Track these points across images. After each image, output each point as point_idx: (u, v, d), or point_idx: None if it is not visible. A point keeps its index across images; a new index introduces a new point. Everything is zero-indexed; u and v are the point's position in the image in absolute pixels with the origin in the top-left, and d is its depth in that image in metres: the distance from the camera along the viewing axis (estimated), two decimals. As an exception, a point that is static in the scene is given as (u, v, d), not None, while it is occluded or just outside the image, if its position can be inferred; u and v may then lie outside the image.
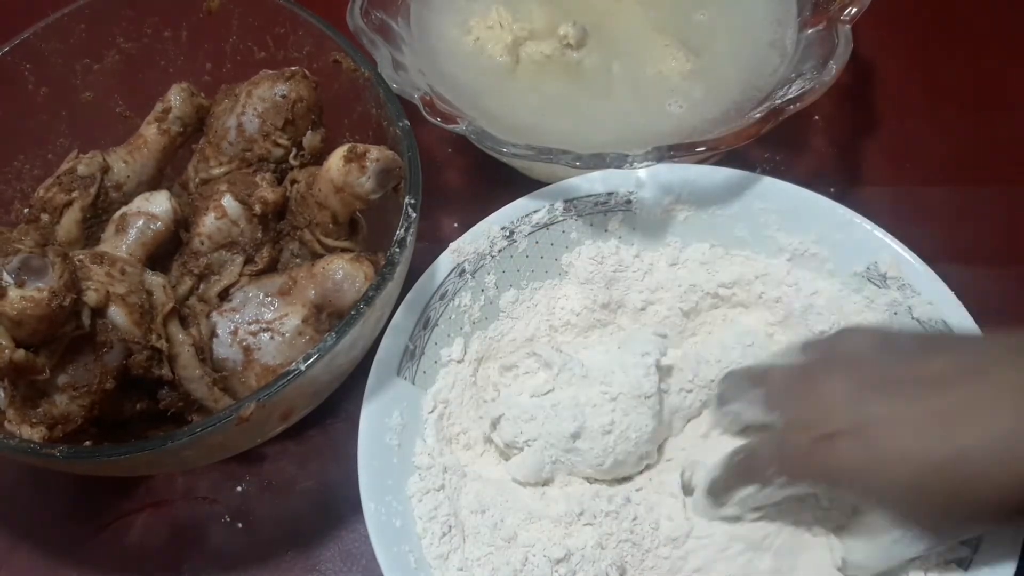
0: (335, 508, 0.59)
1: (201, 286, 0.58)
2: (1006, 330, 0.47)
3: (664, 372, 0.55)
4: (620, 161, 0.58)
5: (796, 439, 0.47)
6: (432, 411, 0.56)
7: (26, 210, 0.61)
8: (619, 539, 0.51)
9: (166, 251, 0.58)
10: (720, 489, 0.51)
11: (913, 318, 0.56)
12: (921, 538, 0.46)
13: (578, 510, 0.52)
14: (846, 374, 0.47)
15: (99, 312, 0.50)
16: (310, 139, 0.61)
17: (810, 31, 0.64)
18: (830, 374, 0.48)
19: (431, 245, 0.59)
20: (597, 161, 0.58)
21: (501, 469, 0.56)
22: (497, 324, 0.59)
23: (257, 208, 0.57)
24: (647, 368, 0.53)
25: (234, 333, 0.55)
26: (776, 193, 0.60)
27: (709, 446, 0.54)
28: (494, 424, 0.55)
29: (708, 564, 0.51)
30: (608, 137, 0.64)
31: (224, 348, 0.55)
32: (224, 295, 0.57)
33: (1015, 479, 0.42)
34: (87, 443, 0.52)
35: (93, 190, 0.58)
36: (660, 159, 0.57)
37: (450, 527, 0.52)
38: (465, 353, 0.58)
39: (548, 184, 0.61)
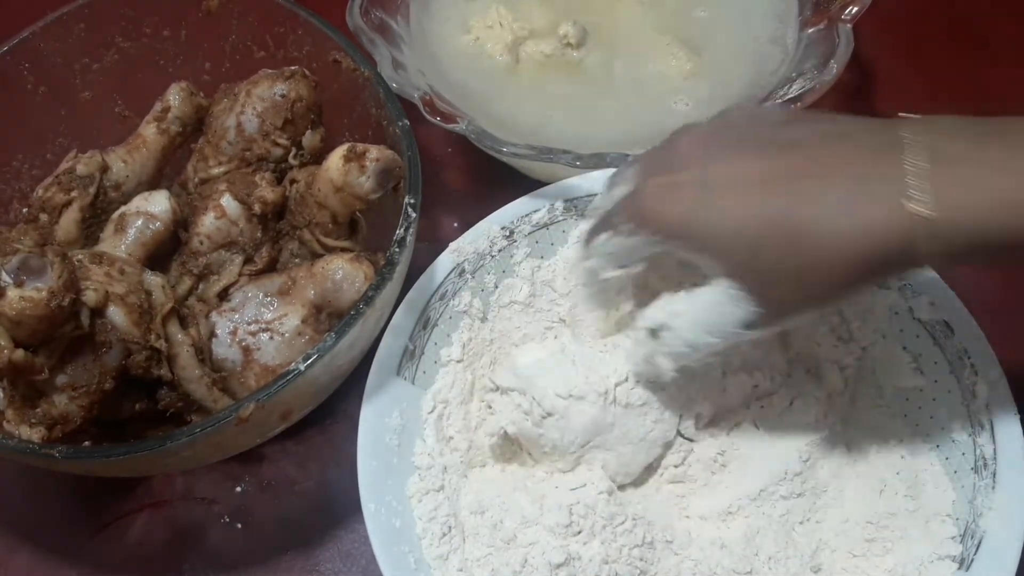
0: (335, 508, 0.59)
1: (200, 286, 0.58)
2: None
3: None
4: (620, 161, 0.58)
5: (644, 186, 0.47)
6: (432, 411, 0.56)
7: (25, 210, 0.61)
8: (621, 553, 0.51)
9: (165, 251, 0.58)
10: (586, 240, 0.51)
11: (914, 319, 0.56)
12: (746, 300, 0.44)
13: (575, 526, 0.51)
14: (706, 132, 0.47)
15: (98, 312, 0.50)
16: (310, 139, 0.61)
17: (811, 30, 0.64)
18: (692, 132, 0.48)
19: (431, 245, 0.59)
20: (597, 161, 0.58)
21: (499, 471, 0.55)
22: (497, 324, 0.59)
23: (256, 208, 0.57)
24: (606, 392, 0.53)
25: (233, 333, 0.55)
26: (776, 193, 0.59)
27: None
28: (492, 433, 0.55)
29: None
30: (615, 136, 0.64)
31: (223, 348, 0.55)
32: (223, 295, 0.57)
33: (852, 243, 0.40)
34: (86, 443, 0.52)
35: (92, 190, 0.58)
36: (660, 159, 0.57)
37: (450, 527, 0.52)
38: (465, 353, 0.58)
39: (548, 184, 0.61)
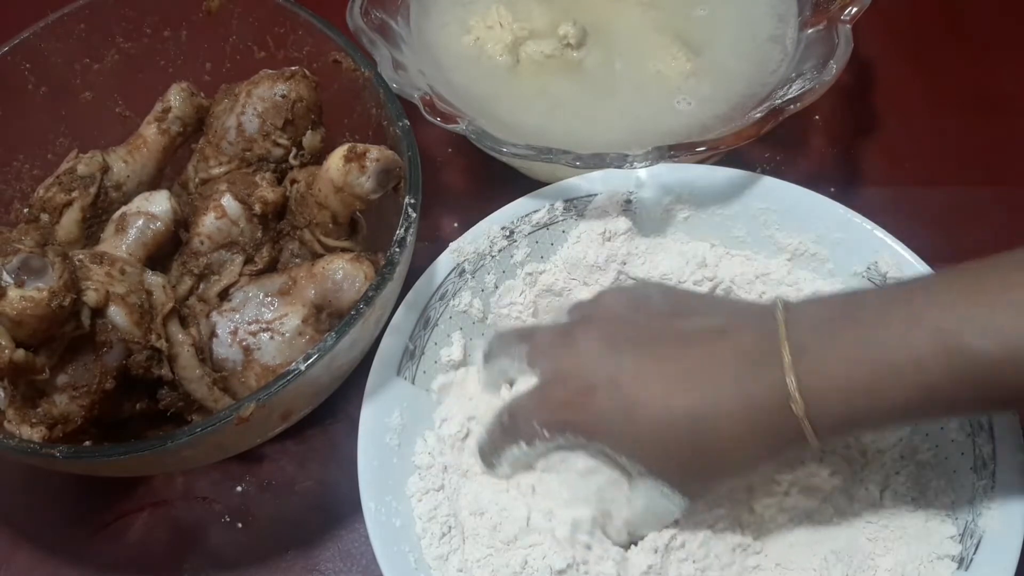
0: (335, 508, 0.59)
1: (201, 286, 0.58)
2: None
3: None
4: (620, 161, 0.58)
5: (556, 392, 0.49)
6: (433, 411, 0.56)
7: (26, 210, 0.61)
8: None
9: (166, 251, 0.58)
10: (489, 451, 0.52)
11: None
12: (673, 493, 0.48)
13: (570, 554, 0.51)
14: (603, 331, 0.49)
15: (99, 312, 0.50)
16: (310, 139, 0.61)
17: (810, 31, 0.64)
18: (587, 331, 0.50)
19: (431, 245, 0.59)
20: (597, 161, 0.58)
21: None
22: (497, 324, 0.59)
23: (257, 208, 0.57)
24: None
25: (234, 333, 0.55)
26: (776, 193, 0.59)
27: (477, 405, 0.55)
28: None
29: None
30: (618, 136, 0.64)
31: (224, 348, 0.55)
32: (224, 295, 0.57)
33: (743, 430, 0.45)
34: (87, 443, 0.52)
35: (93, 190, 0.58)
36: (660, 159, 0.57)
37: (450, 528, 0.52)
38: (465, 353, 0.58)
39: (548, 184, 0.61)
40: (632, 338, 0.49)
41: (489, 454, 0.52)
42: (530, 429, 0.49)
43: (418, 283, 0.57)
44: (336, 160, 0.54)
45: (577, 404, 0.48)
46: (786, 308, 0.46)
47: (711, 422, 0.45)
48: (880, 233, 0.57)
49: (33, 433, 0.50)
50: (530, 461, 0.51)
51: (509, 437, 0.51)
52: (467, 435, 0.55)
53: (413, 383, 0.56)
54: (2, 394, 0.51)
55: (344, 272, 0.54)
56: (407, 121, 0.57)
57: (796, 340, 0.44)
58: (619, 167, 0.58)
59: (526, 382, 0.52)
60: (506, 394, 0.54)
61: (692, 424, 0.45)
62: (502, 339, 0.55)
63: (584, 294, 0.59)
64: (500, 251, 0.59)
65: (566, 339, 0.51)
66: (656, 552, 0.50)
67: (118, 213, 0.58)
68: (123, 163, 0.61)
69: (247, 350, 0.54)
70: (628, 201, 0.60)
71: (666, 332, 0.48)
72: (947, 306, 0.42)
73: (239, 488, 0.60)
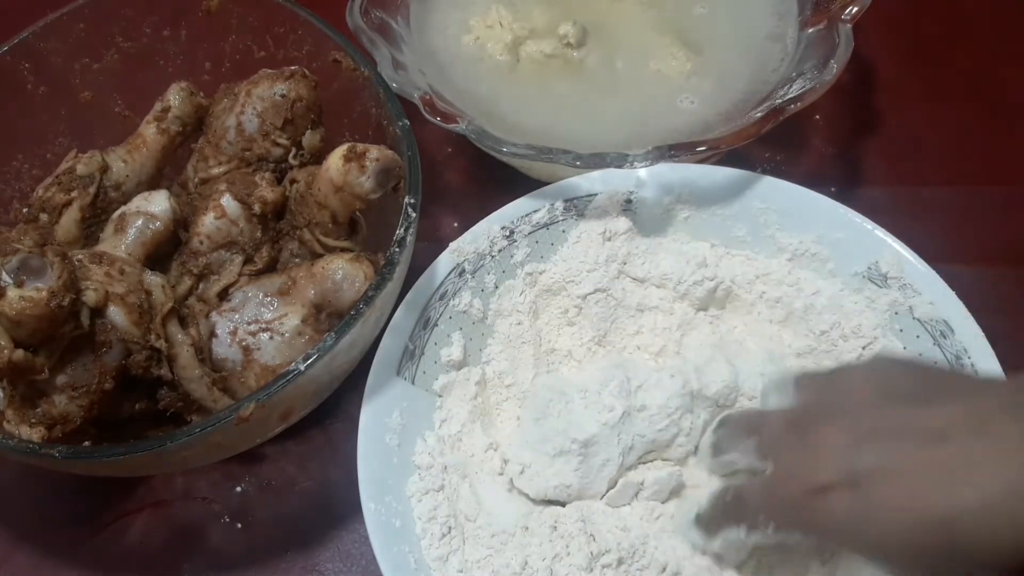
0: (335, 508, 0.59)
1: (200, 286, 0.57)
2: (1016, 374, 0.46)
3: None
4: (620, 161, 0.58)
5: (788, 489, 0.45)
6: (432, 411, 0.56)
7: (25, 210, 0.61)
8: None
9: (165, 251, 0.58)
10: (707, 523, 0.50)
11: (914, 318, 0.56)
12: None
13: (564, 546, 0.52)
14: (841, 422, 0.45)
15: (98, 312, 0.50)
16: (309, 138, 0.61)
17: (811, 30, 0.64)
18: (825, 422, 0.46)
19: (431, 245, 0.59)
20: (597, 161, 0.58)
21: (499, 478, 0.55)
22: (497, 324, 0.59)
23: (256, 208, 0.57)
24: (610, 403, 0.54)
25: (233, 333, 0.55)
26: (777, 193, 0.59)
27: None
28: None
29: None
30: (621, 136, 0.64)
31: (223, 348, 0.55)
32: (223, 295, 0.57)
33: (1012, 539, 0.40)
34: (86, 443, 0.52)
35: (92, 190, 0.58)
36: (660, 159, 0.57)
37: (449, 528, 0.52)
38: (465, 353, 0.58)
39: (548, 184, 0.60)
40: (875, 430, 0.44)
41: (708, 526, 0.50)
42: (754, 521, 0.47)
43: (418, 283, 0.57)
44: (336, 160, 0.54)
45: (808, 506, 0.44)
46: None
47: (973, 527, 0.40)
48: (881, 233, 0.57)
49: (32, 433, 0.50)
50: (744, 547, 0.50)
51: (731, 519, 0.49)
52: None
53: (413, 383, 0.56)
54: (1, 394, 0.51)
55: (344, 272, 0.54)
56: (407, 121, 0.57)
57: None
58: (619, 167, 0.58)
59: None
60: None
61: (948, 533, 0.41)
62: (729, 428, 0.52)
63: (585, 288, 0.58)
64: (500, 251, 0.59)
65: (801, 429, 0.46)
66: None
67: (117, 213, 0.58)
68: (122, 163, 0.61)
69: (247, 350, 0.54)
70: (628, 201, 0.60)
71: (915, 424, 0.43)
72: None
73: (239, 488, 0.60)
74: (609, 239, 0.60)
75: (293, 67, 0.61)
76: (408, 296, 0.57)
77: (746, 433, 0.50)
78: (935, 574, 0.44)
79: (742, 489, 0.49)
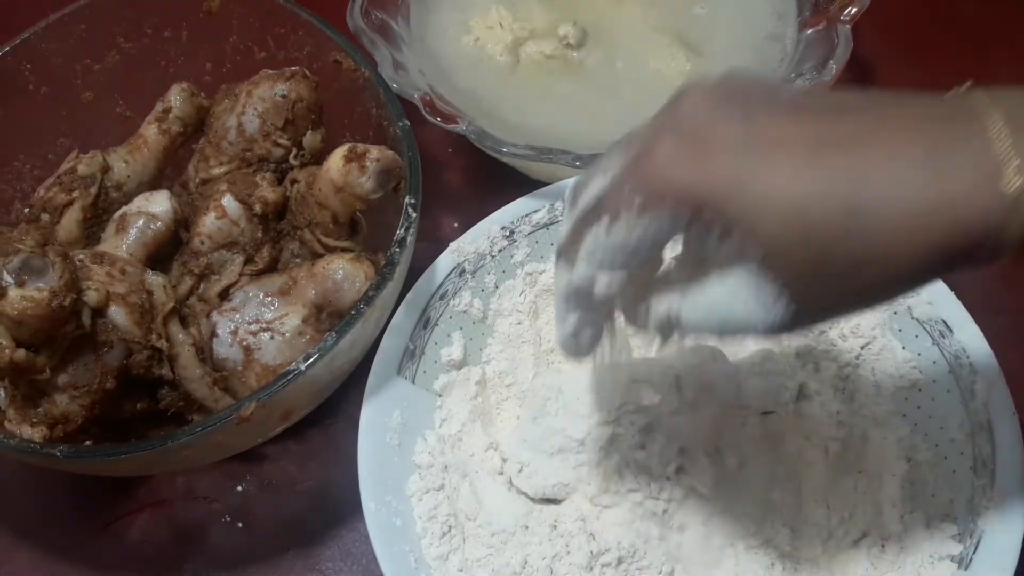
0: (335, 508, 0.59)
1: (201, 286, 0.58)
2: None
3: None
4: (620, 161, 0.58)
5: (659, 148, 0.36)
6: (433, 410, 0.56)
7: (27, 210, 0.61)
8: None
9: (166, 251, 0.59)
10: (568, 246, 0.40)
11: (913, 318, 0.56)
12: (777, 301, 0.36)
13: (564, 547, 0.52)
14: (726, 91, 0.37)
15: (99, 312, 0.50)
16: (310, 139, 0.61)
17: (810, 31, 0.64)
18: (701, 91, 0.37)
19: (431, 245, 0.59)
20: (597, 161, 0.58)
21: (499, 478, 0.55)
22: (497, 324, 0.59)
23: (257, 208, 0.57)
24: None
25: (234, 333, 0.55)
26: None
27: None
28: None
29: None
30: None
31: (224, 348, 0.55)
32: (224, 295, 0.57)
33: (928, 228, 0.33)
34: (87, 443, 0.52)
35: (93, 190, 0.59)
36: (660, 159, 0.57)
37: (450, 527, 0.52)
38: (465, 353, 0.58)
39: (548, 184, 0.61)
40: (764, 101, 0.36)
41: (569, 249, 0.40)
42: (617, 198, 0.37)
43: (418, 283, 0.57)
44: (336, 160, 0.54)
45: (688, 160, 0.35)
46: (979, 92, 0.35)
47: (880, 205, 0.33)
48: (880, 233, 0.57)
49: (34, 433, 0.50)
50: (608, 254, 0.38)
51: (592, 216, 0.38)
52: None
53: (413, 383, 0.56)
54: (3, 394, 0.51)
55: (344, 272, 0.54)
56: (407, 121, 0.57)
57: (1012, 115, 0.33)
58: (619, 167, 0.58)
59: None
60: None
61: (851, 203, 0.33)
62: (579, 186, 0.42)
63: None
64: (500, 251, 0.59)
65: (672, 105, 0.38)
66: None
67: (119, 213, 0.58)
68: (124, 163, 0.61)
69: (247, 350, 0.55)
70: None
71: (811, 99, 0.37)
72: None
73: (239, 488, 0.60)
74: (609, 239, 0.60)
75: (294, 68, 0.61)
76: (408, 296, 0.57)
77: (601, 173, 0.40)
78: (805, 286, 0.35)
79: (612, 182, 0.39)
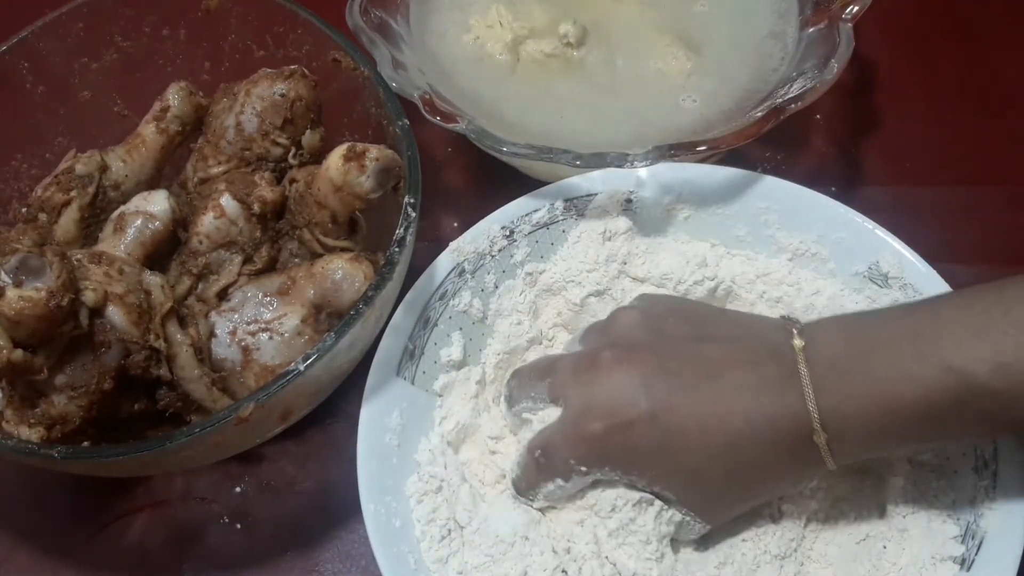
0: (334, 509, 0.59)
1: (200, 286, 0.57)
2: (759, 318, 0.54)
3: None
4: (620, 160, 0.58)
5: (589, 427, 0.49)
6: (432, 411, 0.56)
7: (24, 209, 0.61)
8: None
9: (164, 251, 0.58)
10: (525, 487, 0.52)
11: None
12: (695, 521, 0.50)
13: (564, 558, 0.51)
14: (629, 363, 0.49)
15: (97, 312, 0.50)
16: (309, 138, 0.61)
17: (811, 30, 0.64)
18: (614, 363, 0.49)
19: (431, 245, 0.59)
20: (597, 160, 0.58)
21: (499, 485, 0.55)
22: (497, 324, 0.59)
23: (256, 207, 0.57)
24: None
25: (233, 333, 0.55)
26: (777, 192, 0.59)
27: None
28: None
29: None
30: (624, 135, 0.64)
31: (223, 348, 0.55)
32: (223, 295, 0.57)
33: (771, 459, 0.48)
34: (85, 443, 0.52)
35: (91, 189, 0.58)
36: (660, 158, 0.57)
37: (449, 531, 0.52)
38: (465, 353, 0.58)
39: (548, 183, 0.60)
40: (660, 368, 0.49)
41: (525, 491, 0.52)
42: (566, 466, 0.49)
43: (418, 283, 0.57)
44: (335, 159, 0.54)
45: (615, 440, 0.48)
46: (801, 335, 0.48)
47: (745, 451, 0.47)
48: (881, 232, 0.57)
49: (32, 433, 0.50)
50: (566, 495, 0.51)
51: (544, 475, 0.50)
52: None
53: (413, 383, 0.56)
54: (1, 394, 0.51)
55: (343, 272, 0.54)
56: (407, 120, 0.57)
57: (816, 378, 0.46)
58: (619, 166, 0.58)
59: (550, 415, 0.52)
60: (528, 433, 0.53)
61: (727, 453, 0.47)
62: (520, 378, 0.55)
63: (585, 288, 0.59)
64: (500, 251, 0.59)
65: (591, 368, 0.50)
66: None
67: (116, 213, 0.58)
68: (121, 162, 0.61)
69: (246, 350, 0.54)
70: (628, 200, 0.60)
71: (692, 361, 0.49)
72: (954, 342, 0.44)
73: (239, 488, 0.60)
74: (609, 239, 0.60)
75: (293, 66, 0.61)
76: (408, 296, 0.57)
77: (538, 378, 0.53)
78: (716, 500, 0.50)
79: (545, 441, 0.51)
